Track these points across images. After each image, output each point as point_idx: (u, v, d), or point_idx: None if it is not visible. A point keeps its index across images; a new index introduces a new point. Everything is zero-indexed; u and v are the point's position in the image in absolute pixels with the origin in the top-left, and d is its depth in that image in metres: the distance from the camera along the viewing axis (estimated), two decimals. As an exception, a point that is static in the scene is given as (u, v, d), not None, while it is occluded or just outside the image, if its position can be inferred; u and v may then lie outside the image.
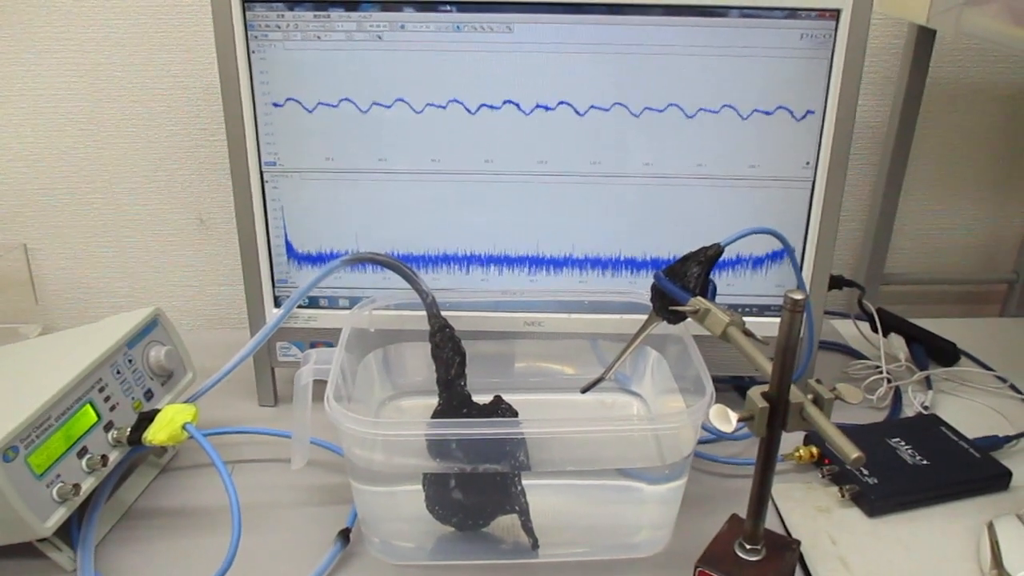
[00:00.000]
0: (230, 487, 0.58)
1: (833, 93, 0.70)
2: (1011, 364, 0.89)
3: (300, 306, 0.77)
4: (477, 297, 0.74)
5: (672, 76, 0.70)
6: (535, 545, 0.61)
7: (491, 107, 0.71)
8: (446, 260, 0.76)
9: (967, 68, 0.98)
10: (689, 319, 0.60)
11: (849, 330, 0.96)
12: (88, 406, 0.61)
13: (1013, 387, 0.86)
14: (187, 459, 0.74)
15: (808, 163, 0.73)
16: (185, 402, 0.68)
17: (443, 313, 0.67)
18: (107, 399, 0.64)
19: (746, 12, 0.68)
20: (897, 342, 0.92)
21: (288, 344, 0.80)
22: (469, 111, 0.71)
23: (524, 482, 0.60)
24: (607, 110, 0.71)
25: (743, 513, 0.56)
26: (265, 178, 0.74)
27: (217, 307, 1.06)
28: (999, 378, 0.87)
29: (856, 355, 0.92)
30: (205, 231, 1.01)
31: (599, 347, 0.76)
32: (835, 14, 0.68)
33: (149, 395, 0.68)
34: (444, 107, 0.71)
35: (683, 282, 0.61)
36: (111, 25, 0.91)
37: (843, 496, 0.67)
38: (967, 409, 0.82)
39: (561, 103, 0.71)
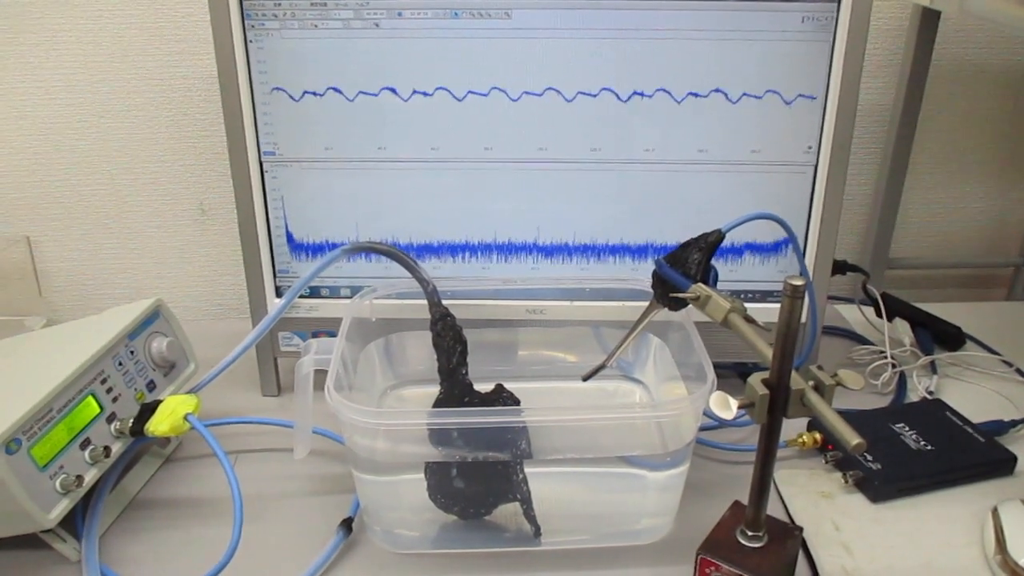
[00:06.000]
0: (232, 477, 0.58)
1: (835, 76, 0.69)
2: (1017, 348, 0.89)
3: (302, 296, 0.77)
4: (478, 285, 0.74)
5: (672, 60, 0.69)
6: (537, 533, 0.61)
7: (490, 94, 0.70)
8: (447, 248, 0.76)
9: (972, 49, 0.97)
10: (691, 306, 0.60)
11: (853, 315, 0.96)
12: (90, 398, 0.62)
13: (1019, 371, 0.85)
14: (191, 449, 0.74)
15: (810, 147, 0.72)
16: (188, 393, 0.68)
17: (444, 302, 0.67)
18: (109, 390, 0.64)
19: (747, -5, 0.67)
20: (902, 327, 0.91)
21: (290, 334, 0.80)
22: (468, 98, 0.71)
23: (526, 470, 0.60)
24: (608, 95, 0.70)
25: (745, 500, 0.56)
26: (264, 168, 0.74)
27: (219, 297, 1.06)
28: (1005, 362, 0.87)
29: (861, 340, 0.92)
30: (207, 222, 1.01)
31: (601, 334, 0.76)
32: (837, -4, 0.67)
33: (151, 386, 0.68)
34: (443, 94, 0.70)
35: (684, 269, 0.61)
36: (110, 16, 0.90)
37: (847, 482, 0.67)
38: (972, 394, 0.81)
39: (560, 89, 0.70)
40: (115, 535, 0.65)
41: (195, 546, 0.63)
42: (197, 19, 0.91)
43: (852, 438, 0.45)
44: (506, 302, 0.75)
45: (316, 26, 0.69)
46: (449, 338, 0.64)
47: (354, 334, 0.68)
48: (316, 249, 0.76)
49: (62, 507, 0.57)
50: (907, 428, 0.71)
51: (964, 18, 0.94)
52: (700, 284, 0.58)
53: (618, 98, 0.70)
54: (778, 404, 0.50)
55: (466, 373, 0.64)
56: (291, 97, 0.71)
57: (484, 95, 0.70)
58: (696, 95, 0.70)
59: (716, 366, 0.59)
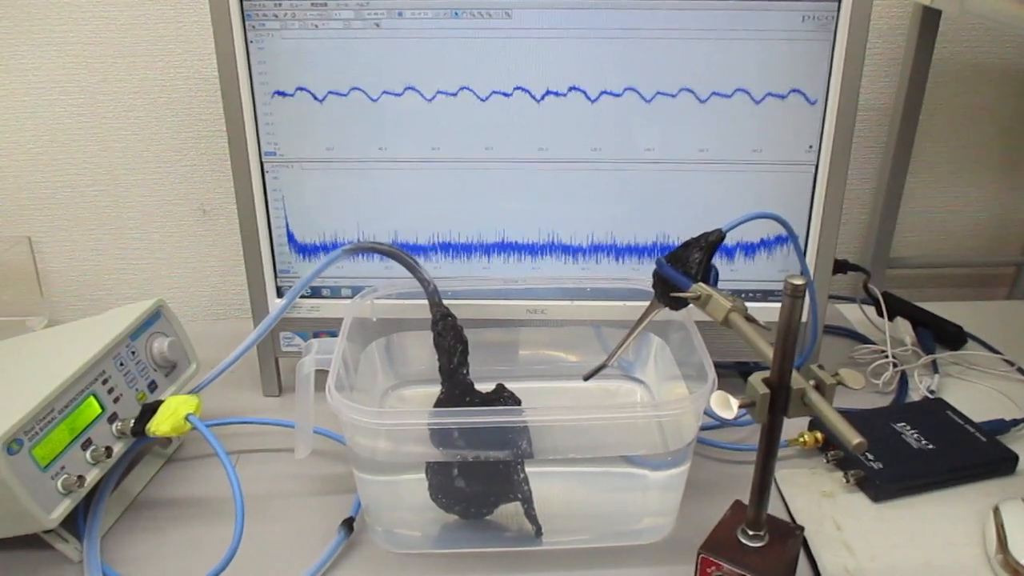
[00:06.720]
0: (233, 477, 0.58)
1: (836, 75, 0.69)
2: (1018, 347, 0.89)
3: (303, 296, 0.77)
4: (479, 285, 0.74)
5: (672, 60, 0.69)
6: (539, 533, 0.62)
7: (491, 94, 0.70)
8: (447, 248, 0.76)
9: (973, 48, 0.97)
10: (691, 305, 0.60)
11: (855, 314, 0.96)
12: (92, 398, 0.62)
13: (1020, 370, 0.85)
14: (192, 449, 0.75)
15: (811, 147, 0.72)
16: (189, 393, 0.68)
17: (445, 301, 0.67)
18: (111, 391, 0.64)
19: (747, -6, 0.67)
20: (903, 326, 0.91)
21: (292, 334, 0.80)
22: (469, 98, 0.71)
23: (527, 470, 0.60)
24: (608, 95, 0.70)
25: (746, 499, 0.55)
26: (265, 168, 0.74)
27: (220, 298, 1.06)
28: (1006, 361, 0.87)
29: (862, 339, 0.92)
30: (208, 222, 1.01)
31: (602, 334, 0.76)
32: (837, -5, 0.67)
33: (153, 386, 0.69)
34: (444, 94, 0.71)
35: (685, 268, 0.60)
36: (111, 17, 0.90)
37: (848, 481, 0.67)
38: (974, 393, 0.81)
39: (561, 89, 0.70)
40: (117, 535, 0.65)
41: (197, 546, 0.63)
42: (198, 20, 0.91)
43: (853, 437, 0.45)
44: (507, 302, 0.75)
45: (316, 26, 0.69)
46: (450, 338, 0.64)
47: (355, 334, 0.68)
48: (317, 249, 0.76)
49: (64, 507, 0.57)
50: (908, 427, 0.71)
51: (965, 17, 0.94)
52: (701, 283, 0.58)
53: (618, 98, 0.70)
54: (779, 403, 0.50)
55: (467, 373, 0.64)
56: (292, 97, 0.71)
57: (485, 95, 0.70)
58: (697, 94, 0.70)
59: (717, 365, 0.59)
